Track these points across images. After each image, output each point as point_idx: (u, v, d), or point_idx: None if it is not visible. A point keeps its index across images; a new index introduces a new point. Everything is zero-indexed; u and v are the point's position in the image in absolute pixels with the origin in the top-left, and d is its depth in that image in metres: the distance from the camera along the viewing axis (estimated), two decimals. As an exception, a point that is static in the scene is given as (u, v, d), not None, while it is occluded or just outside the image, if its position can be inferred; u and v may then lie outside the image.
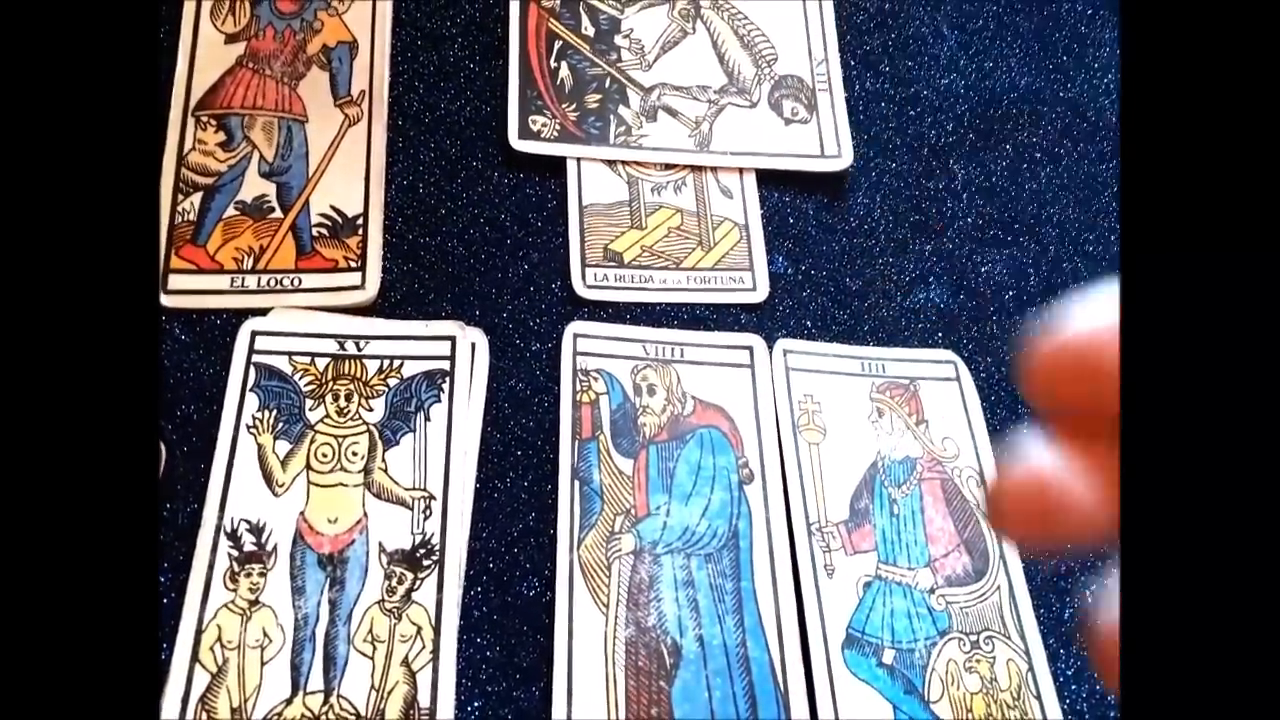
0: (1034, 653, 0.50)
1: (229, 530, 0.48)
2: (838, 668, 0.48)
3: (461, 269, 0.57)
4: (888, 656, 0.49)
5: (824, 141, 0.63)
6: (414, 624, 0.46)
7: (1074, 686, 0.50)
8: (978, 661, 0.49)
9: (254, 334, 0.53)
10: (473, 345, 0.54)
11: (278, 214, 0.57)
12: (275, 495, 0.49)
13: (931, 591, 0.51)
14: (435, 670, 0.46)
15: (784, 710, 0.47)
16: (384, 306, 0.55)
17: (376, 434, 0.51)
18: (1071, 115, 0.68)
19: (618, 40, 0.65)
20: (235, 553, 0.47)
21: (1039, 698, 0.49)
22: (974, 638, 0.50)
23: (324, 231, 0.56)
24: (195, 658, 0.45)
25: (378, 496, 0.49)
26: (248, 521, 0.48)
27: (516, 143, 0.61)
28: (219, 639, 0.45)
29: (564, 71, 0.64)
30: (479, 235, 0.58)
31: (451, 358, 0.53)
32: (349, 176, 0.58)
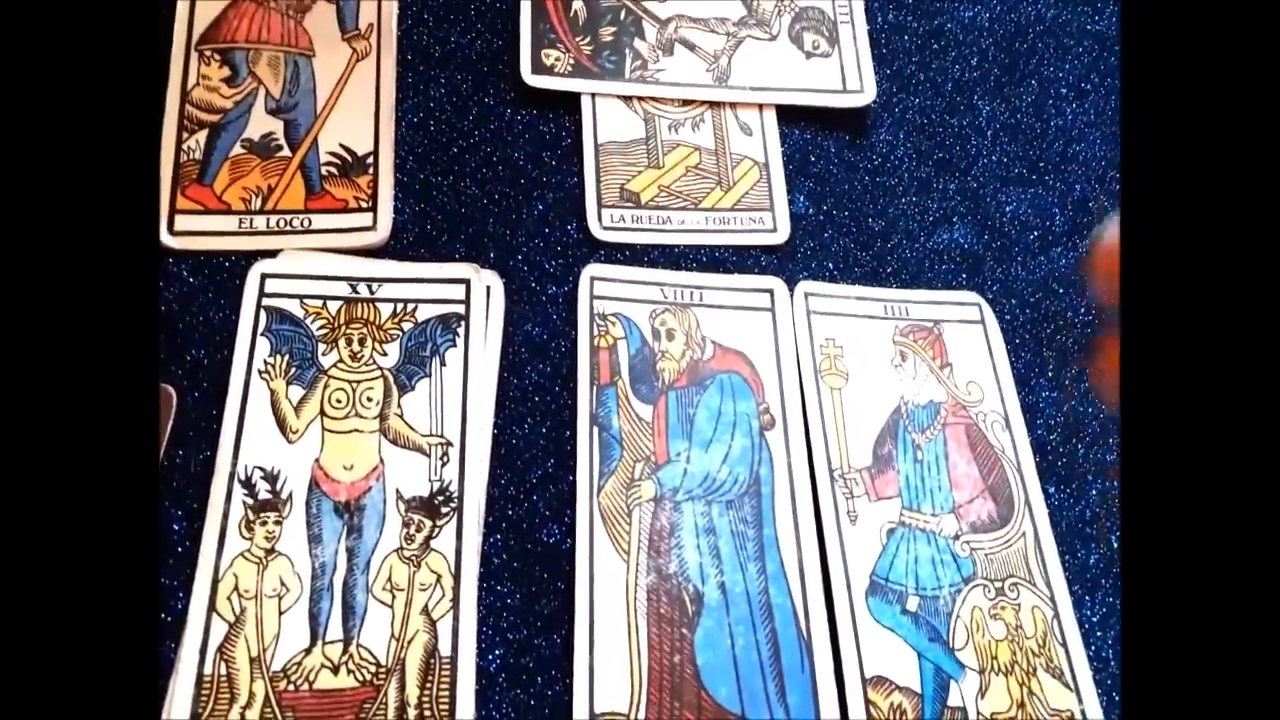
0: (1059, 599, 0.49)
1: (243, 478, 0.47)
2: (861, 615, 0.47)
3: (475, 209, 0.56)
4: (912, 603, 0.48)
5: (846, 76, 0.62)
6: (433, 572, 0.46)
7: (1099, 633, 0.49)
8: (1003, 608, 0.49)
9: (264, 276, 0.51)
10: (488, 288, 0.53)
11: (286, 152, 0.55)
12: (289, 442, 0.48)
13: (956, 538, 0.50)
14: (456, 618, 0.45)
15: (807, 657, 0.46)
16: (396, 248, 0.54)
17: (391, 379, 0.50)
18: (1099, 49, 0.66)
19: (634, -30, 0.63)
20: (250, 501, 0.46)
21: (1064, 644, 0.48)
22: (999, 584, 0.49)
23: (333, 170, 0.55)
24: (212, 607, 0.44)
25: (394, 443, 0.48)
26: (262, 469, 0.47)
27: (529, 78, 0.59)
28: (236, 588, 0.45)
29: (577, 3, 0.62)
30: (492, 174, 0.57)
31: (466, 301, 0.52)
32: (358, 113, 0.57)
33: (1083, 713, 0.47)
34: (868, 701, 0.46)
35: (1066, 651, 0.48)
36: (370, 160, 0.55)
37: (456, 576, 0.46)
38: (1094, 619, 0.49)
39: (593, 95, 0.60)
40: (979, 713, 0.46)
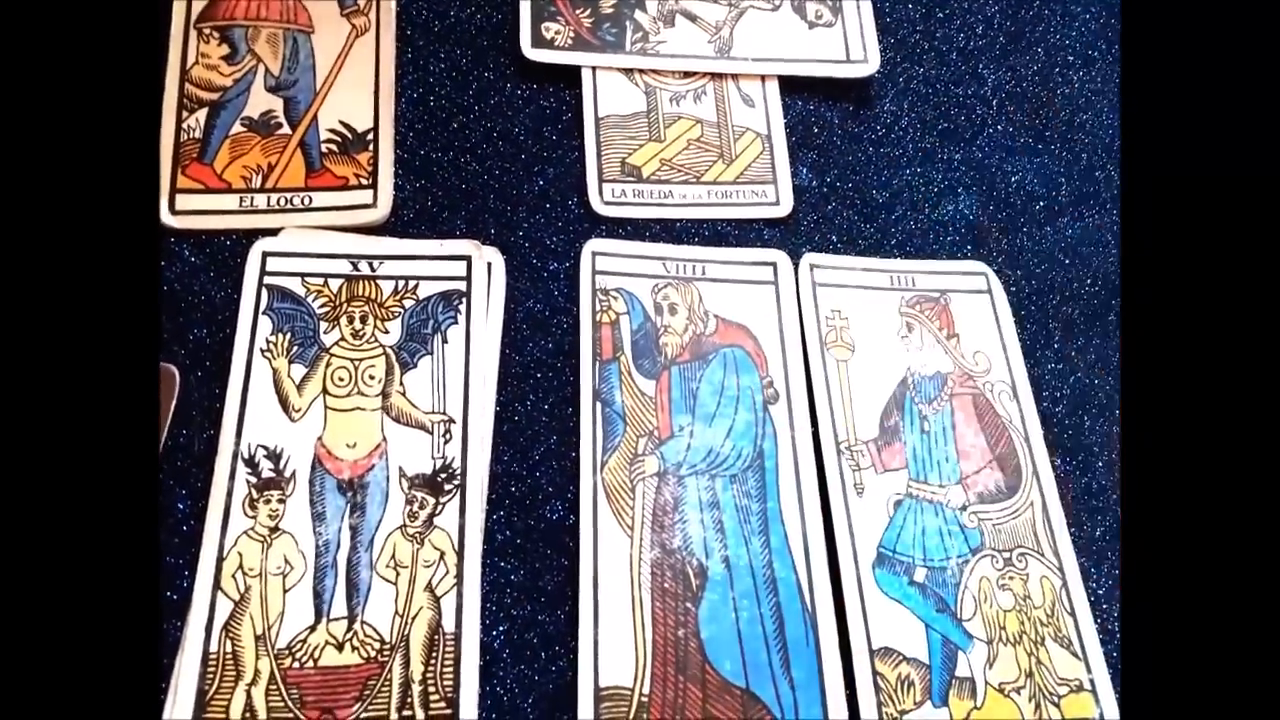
0: (1067, 569, 0.49)
1: (246, 457, 0.47)
2: (869, 587, 0.47)
3: (475, 185, 0.56)
4: (919, 575, 0.48)
5: (849, 46, 0.61)
6: (437, 549, 0.46)
7: (1105, 605, 0.49)
8: (1010, 579, 0.48)
9: (265, 255, 0.51)
10: (489, 265, 0.52)
11: (286, 130, 0.55)
12: (292, 420, 0.48)
13: (963, 509, 0.50)
14: (459, 595, 0.45)
15: (811, 630, 0.46)
16: (396, 225, 0.54)
17: (393, 356, 0.50)
18: (1106, 15, 0.66)
19: (633, -58, 0.63)
20: (253, 479, 0.46)
21: (1073, 614, 0.48)
22: (1007, 555, 0.49)
23: (333, 148, 0.55)
24: (217, 585, 0.44)
25: (396, 420, 0.48)
26: (265, 448, 0.47)
27: (529, 51, 0.59)
28: (240, 566, 0.45)
29: (577, -25, 0.62)
30: (493, 150, 0.57)
31: (468, 278, 0.52)
32: (358, 90, 0.56)
33: (1091, 681, 0.46)
34: (875, 672, 0.45)
35: (1075, 621, 0.48)
36: (370, 137, 0.55)
37: (460, 553, 0.46)
38: (1100, 591, 0.49)
39: (593, 68, 0.59)
40: (987, 682, 0.46)
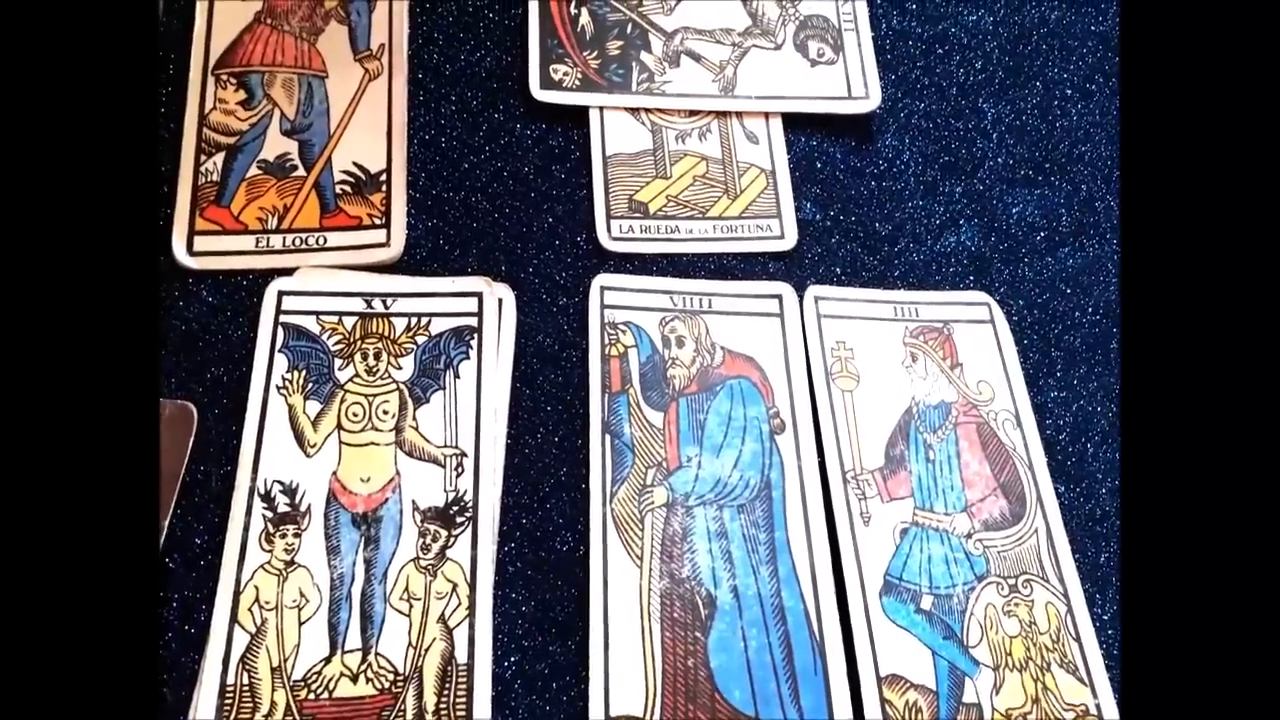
0: (1073, 595, 0.49)
1: (263, 492, 0.48)
2: (876, 615, 0.48)
3: (486, 223, 0.57)
4: (926, 602, 0.48)
5: (851, 82, 0.62)
6: (449, 581, 0.46)
7: (1110, 631, 0.49)
8: (1016, 605, 0.49)
9: (281, 294, 0.52)
10: (500, 301, 0.53)
11: (301, 172, 0.56)
12: (307, 456, 0.49)
13: (969, 536, 0.50)
14: (472, 626, 0.46)
15: (820, 658, 0.47)
16: (409, 263, 0.55)
17: (406, 392, 0.51)
18: (1104, 49, 0.67)
19: (638, -16, 0.64)
20: (269, 514, 0.47)
21: (1078, 640, 0.48)
22: (1012, 581, 0.49)
23: (347, 189, 0.56)
24: (234, 618, 0.45)
25: (410, 455, 0.49)
26: (281, 483, 0.48)
27: (538, 93, 0.60)
28: (257, 599, 0.45)
29: (584, 18, 0.63)
30: (503, 189, 0.58)
31: (479, 314, 0.53)
32: (371, 132, 0.58)
33: (1097, 707, 0.47)
34: (883, 700, 0.46)
35: (1080, 647, 0.48)
36: (383, 178, 0.56)
37: (472, 585, 0.46)
38: (1105, 617, 0.50)
39: (600, 108, 0.60)
40: (994, 709, 0.46)
